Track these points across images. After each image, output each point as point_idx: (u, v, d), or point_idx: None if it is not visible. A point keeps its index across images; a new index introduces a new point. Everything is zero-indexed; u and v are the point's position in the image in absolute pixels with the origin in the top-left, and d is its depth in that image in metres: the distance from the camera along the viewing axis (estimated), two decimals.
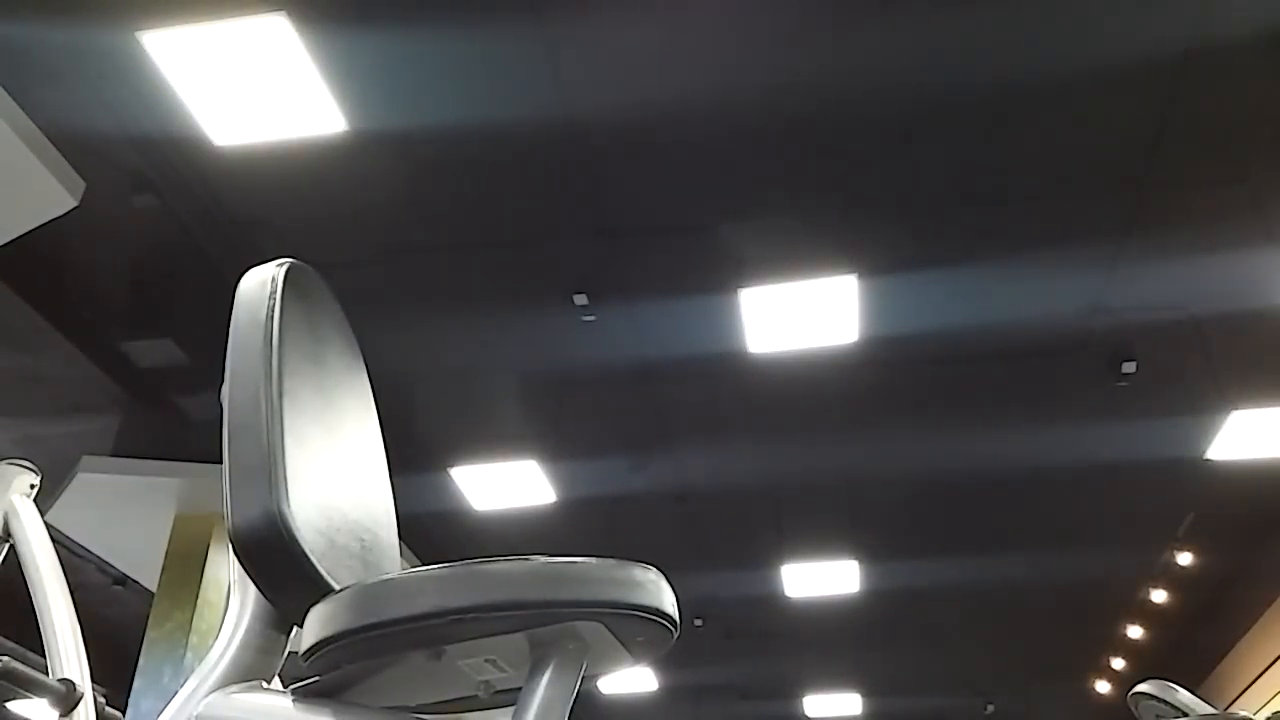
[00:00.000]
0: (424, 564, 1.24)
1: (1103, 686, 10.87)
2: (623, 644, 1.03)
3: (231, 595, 1.19)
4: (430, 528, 7.54)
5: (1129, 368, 5.72)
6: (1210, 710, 2.50)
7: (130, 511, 6.01)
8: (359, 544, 1.25)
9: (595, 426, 6.77)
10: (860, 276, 5.36)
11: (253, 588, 1.14)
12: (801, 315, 5.57)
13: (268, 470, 1.10)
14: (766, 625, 9.55)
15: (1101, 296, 5.54)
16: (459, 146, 4.75)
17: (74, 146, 4.34)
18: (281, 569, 1.09)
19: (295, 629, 1.15)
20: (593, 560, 1.00)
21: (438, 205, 5.13)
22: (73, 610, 1.92)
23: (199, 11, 3.98)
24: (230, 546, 1.11)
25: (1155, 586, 8.63)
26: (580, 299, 5.46)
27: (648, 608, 0.99)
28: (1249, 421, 6.19)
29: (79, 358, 5.67)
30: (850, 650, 10.14)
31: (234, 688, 1.11)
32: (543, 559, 0.99)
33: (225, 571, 5.79)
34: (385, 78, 4.45)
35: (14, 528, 2.01)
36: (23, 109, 3.96)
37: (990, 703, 11.13)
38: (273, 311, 1.20)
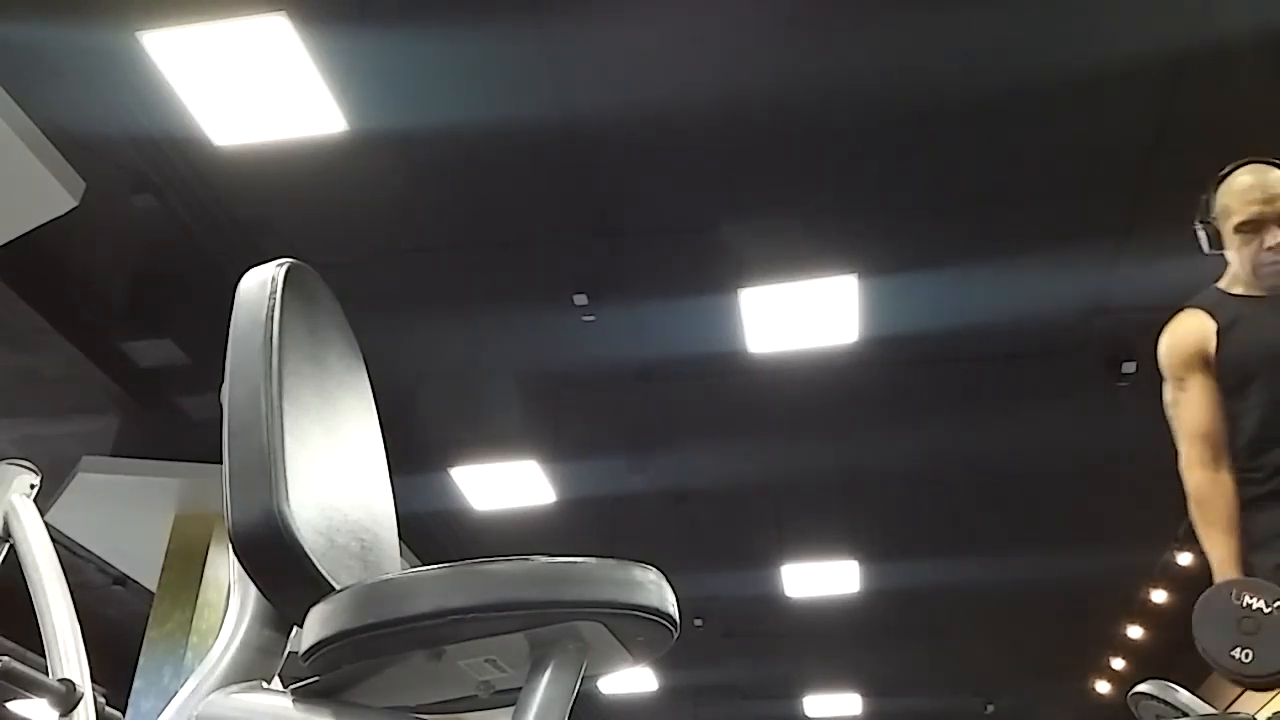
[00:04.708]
0: (424, 564, 1.24)
1: (1103, 686, 10.87)
2: (623, 644, 1.03)
3: (231, 595, 1.18)
4: (430, 528, 7.54)
5: (1129, 368, 5.72)
6: (1210, 710, 2.50)
7: (130, 511, 5.99)
8: (359, 544, 1.25)
9: (595, 426, 6.77)
10: (860, 276, 5.36)
11: (253, 588, 1.14)
12: (801, 315, 5.57)
13: (268, 470, 1.10)
14: (766, 625, 9.55)
15: (1101, 296, 5.54)
16: (459, 146, 4.75)
17: (74, 146, 4.34)
18: (281, 569, 1.09)
19: (295, 629, 1.15)
20: (593, 560, 1.00)
21: (438, 205, 5.13)
22: (73, 610, 1.92)
23: (199, 11, 3.98)
24: (230, 546, 1.11)
25: (1155, 586, 8.63)
26: (580, 299, 5.45)
27: (648, 608, 0.99)
28: None
29: (79, 358, 5.67)
30: (850, 650, 10.13)
31: (234, 688, 1.11)
32: (543, 559, 0.99)
33: (225, 571, 5.77)
34: (385, 78, 4.45)
35: (14, 528, 2.01)
36: (23, 109, 3.95)
37: (990, 703, 11.12)
38: (273, 311, 1.20)
